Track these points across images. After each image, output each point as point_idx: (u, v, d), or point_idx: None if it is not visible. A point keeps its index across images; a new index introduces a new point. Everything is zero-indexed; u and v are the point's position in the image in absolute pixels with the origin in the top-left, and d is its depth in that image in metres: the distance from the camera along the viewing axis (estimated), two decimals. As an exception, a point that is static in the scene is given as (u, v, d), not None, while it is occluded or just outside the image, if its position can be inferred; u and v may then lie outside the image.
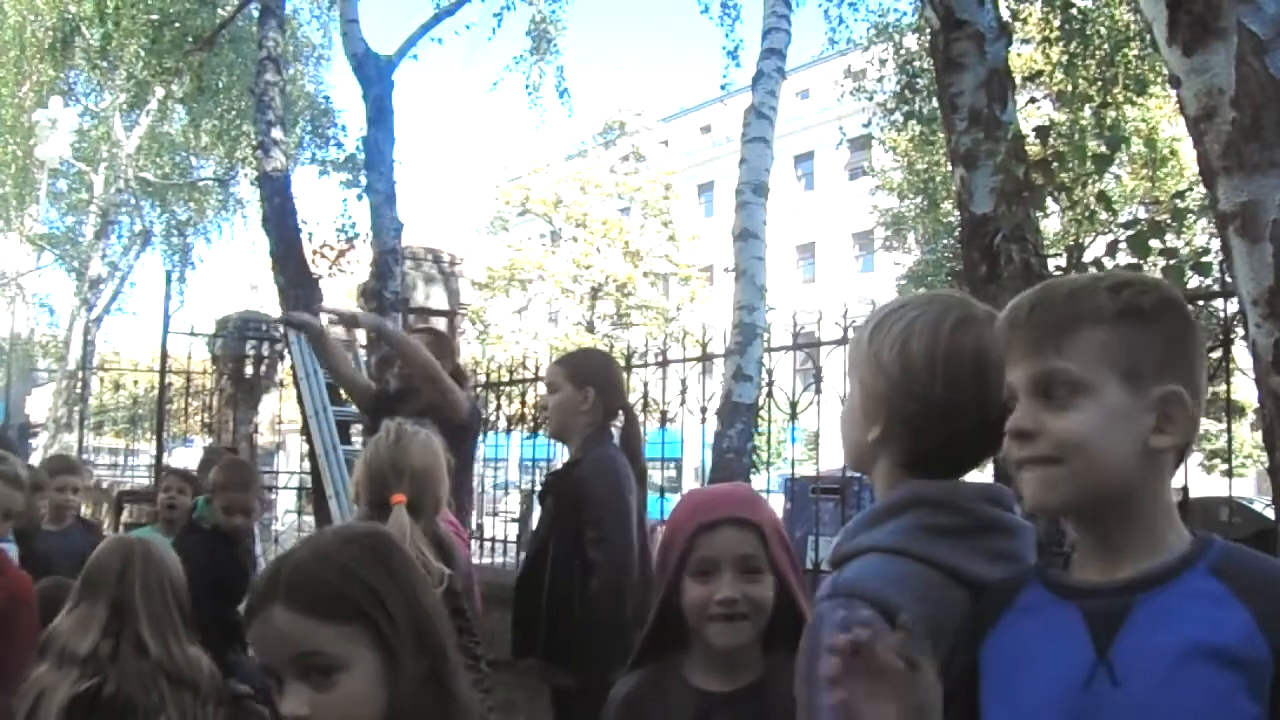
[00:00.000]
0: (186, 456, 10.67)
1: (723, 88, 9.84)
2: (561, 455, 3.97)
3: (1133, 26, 9.22)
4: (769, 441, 9.20)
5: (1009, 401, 1.08)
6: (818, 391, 4.87)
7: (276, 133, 8.07)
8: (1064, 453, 1.02)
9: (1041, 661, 1.03)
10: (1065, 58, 9.78)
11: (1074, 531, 1.10)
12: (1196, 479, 3.41)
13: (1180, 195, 9.17)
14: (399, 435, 2.37)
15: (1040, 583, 1.09)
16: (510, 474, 10.69)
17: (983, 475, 1.41)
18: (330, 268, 9.02)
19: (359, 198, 8.63)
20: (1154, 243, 2.83)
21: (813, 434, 4.93)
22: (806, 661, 1.15)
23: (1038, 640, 1.05)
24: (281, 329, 8.30)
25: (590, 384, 3.03)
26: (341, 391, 7.99)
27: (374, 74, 7.38)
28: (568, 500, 2.93)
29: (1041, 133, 3.23)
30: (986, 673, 1.08)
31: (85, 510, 4.69)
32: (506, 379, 7.15)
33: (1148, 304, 1.05)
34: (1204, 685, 0.94)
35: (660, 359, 5.81)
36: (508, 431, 7.24)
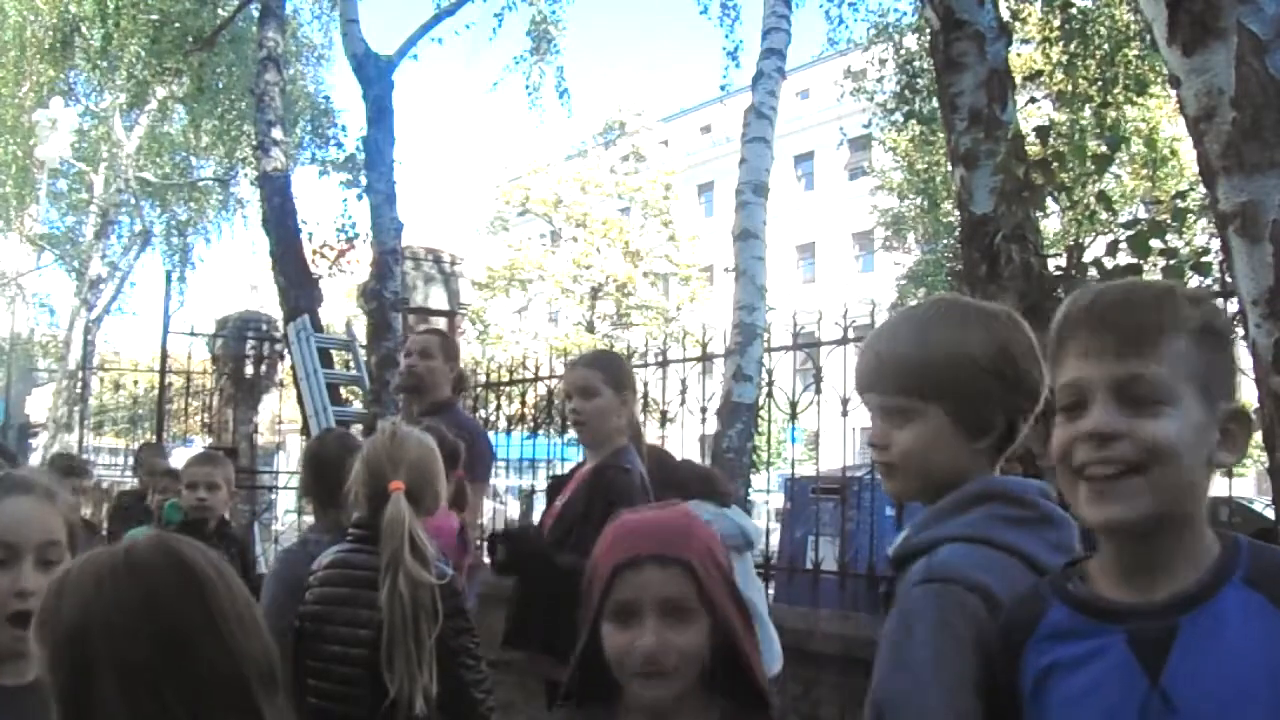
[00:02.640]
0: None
1: (723, 88, 9.84)
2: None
3: (1133, 26, 9.23)
4: (769, 441, 9.19)
5: (1069, 397, 1.04)
6: (818, 391, 4.87)
7: (276, 133, 8.08)
8: (1151, 459, 0.98)
9: (1094, 693, 1.00)
10: (1065, 58, 9.79)
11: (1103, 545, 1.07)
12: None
13: (1180, 195, 9.15)
14: (394, 432, 2.38)
15: (1064, 602, 1.06)
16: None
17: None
18: (330, 268, 9.03)
19: (359, 198, 8.65)
20: (1154, 243, 2.82)
21: (813, 434, 4.94)
22: (892, 648, 1.13)
23: (1084, 671, 1.02)
24: (282, 328, 8.29)
25: (627, 389, 3.03)
26: (342, 391, 8.02)
27: (374, 74, 7.38)
28: (598, 501, 2.90)
29: (1041, 133, 3.22)
30: (1031, 703, 1.05)
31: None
32: (506, 379, 7.15)
33: (1221, 323, 1.05)
34: (1262, 705, 0.94)
35: (660, 359, 5.81)
36: (508, 432, 7.24)
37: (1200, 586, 0.99)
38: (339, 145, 12.18)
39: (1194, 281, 3.03)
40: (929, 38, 3.34)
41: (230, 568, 1.11)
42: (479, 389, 7.32)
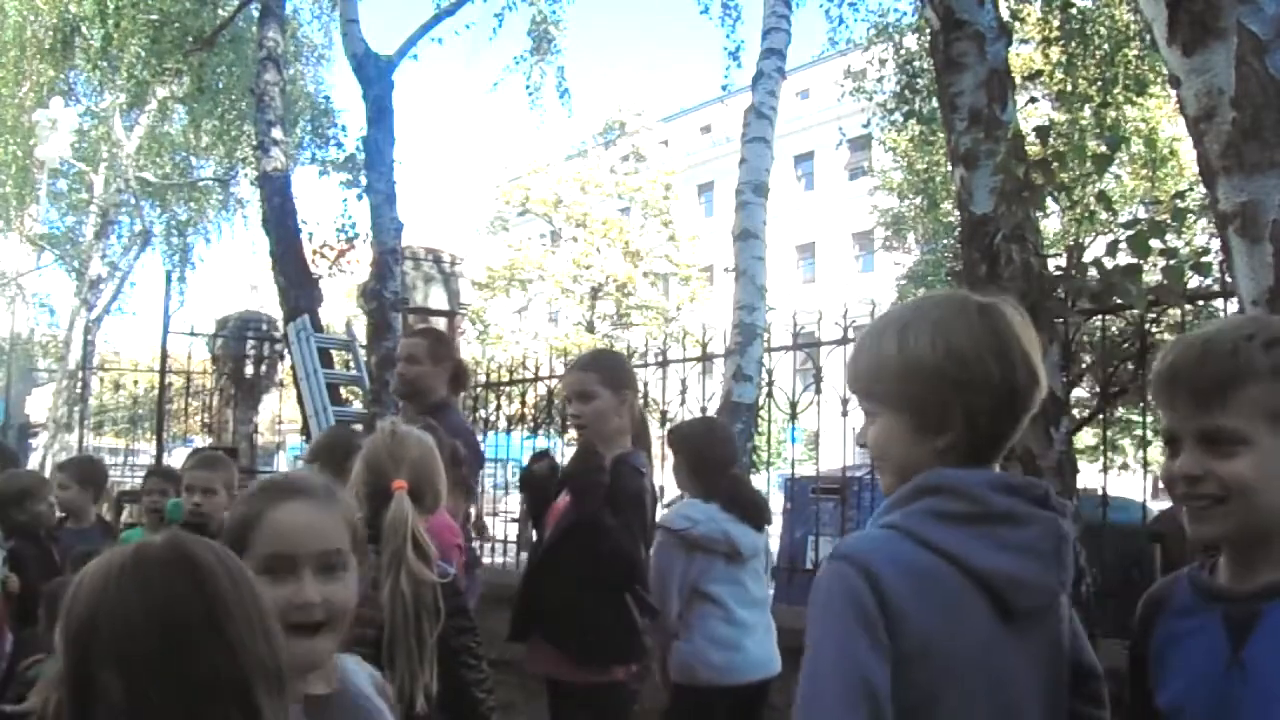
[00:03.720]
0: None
1: (723, 88, 9.85)
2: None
3: (1133, 26, 9.23)
4: (769, 441, 9.19)
5: (1170, 443, 1.23)
6: (818, 391, 4.88)
7: (276, 133, 8.08)
8: (1229, 493, 1.18)
9: (1190, 659, 1.22)
10: (1065, 58, 9.78)
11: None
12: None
13: (1180, 195, 9.16)
14: (394, 430, 2.38)
15: (1190, 586, 1.28)
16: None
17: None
18: (330, 268, 9.03)
19: (359, 198, 8.64)
20: (1154, 243, 2.82)
21: (813, 434, 4.94)
22: (813, 620, 1.22)
23: (1186, 640, 1.24)
24: (282, 328, 8.29)
25: (626, 388, 3.01)
26: (342, 391, 8.02)
27: (374, 74, 7.37)
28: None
29: (1041, 133, 3.22)
30: (1152, 666, 1.28)
31: (103, 509, 4.69)
32: (506, 379, 7.15)
33: None
34: None
35: (660, 359, 5.82)
36: (508, 432, 7.25)
37: None
38: (339, 145, 12.18)
39: (1194, 281, 3.03)
40: (929, 38, 3.34)
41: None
42: (479, 389, 7.33)
